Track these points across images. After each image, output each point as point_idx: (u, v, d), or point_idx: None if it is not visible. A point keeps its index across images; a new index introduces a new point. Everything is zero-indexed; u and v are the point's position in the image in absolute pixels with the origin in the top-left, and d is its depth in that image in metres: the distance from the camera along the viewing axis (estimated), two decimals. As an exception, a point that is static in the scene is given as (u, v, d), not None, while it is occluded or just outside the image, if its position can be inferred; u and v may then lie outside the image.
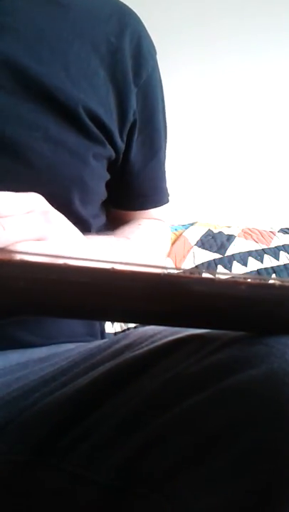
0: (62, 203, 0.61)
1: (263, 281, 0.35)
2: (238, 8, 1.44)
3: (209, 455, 0.34)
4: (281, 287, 0.34)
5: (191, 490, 0.35)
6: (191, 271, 0.36)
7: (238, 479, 0.33)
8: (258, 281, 0.35)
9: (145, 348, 0.42)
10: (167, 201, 0.77)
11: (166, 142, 0.74)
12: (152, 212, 0.75)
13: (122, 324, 1.22)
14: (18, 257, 0.39)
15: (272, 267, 1.31)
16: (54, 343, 0.62)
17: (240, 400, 0.34)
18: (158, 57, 0.70)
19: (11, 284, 0.35)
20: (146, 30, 0.68)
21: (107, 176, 0.66)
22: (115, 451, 0.39)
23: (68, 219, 0.63)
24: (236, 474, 0.33)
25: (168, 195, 0.77)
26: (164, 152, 0.74)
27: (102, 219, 0.70)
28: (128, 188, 0.71)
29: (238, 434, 0.33)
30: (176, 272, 0.36)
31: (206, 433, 0.35)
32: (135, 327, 1.25)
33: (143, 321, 0.41)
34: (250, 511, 0.33)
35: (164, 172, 0.75)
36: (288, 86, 1.52)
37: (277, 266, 1.43)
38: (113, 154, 0.65)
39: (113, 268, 0.36)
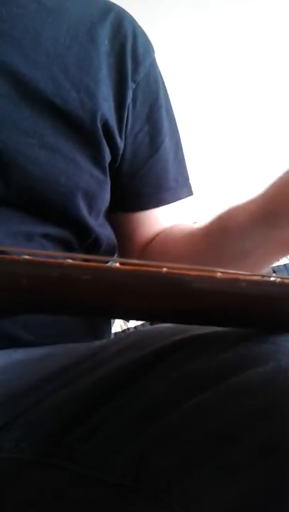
0: (61, 212, 0.61)
1: (263, 278, 0.35)
2: None
3: (217, 453, 0.34)
4: (281, 284, 0.34)
5: (199, 489, 0.34)
6: (192, 268, 0.36)
7: (246, 477, 0.33)
8: (258, 278, 0.35)
9: (150, 347, 0.42)
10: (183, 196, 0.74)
11: (177, 137, 0.72)
12: (165, 211, 0.72)
13: (122, 324, 1.22)
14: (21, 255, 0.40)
15: (272, 267, 1.32)
16: (55, 344, 0.61)
17: (248, 397, 0.34)
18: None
19: (14, 282, 0.36)
20: (141, 28, 0.68)
21: (108, 180, 0.66)
22: (122, 450, 0.39)
23: (72, 228, 0.62)
24: (244, 472, 0.33)
25: (184, 188, 0.73)
26: (170, 146, 0.71)
27: (108, 229, 0.69)
28: (134, 187, 0.69)
29: (245, 432, 0.33)
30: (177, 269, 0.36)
31: (214, 431, 0.35)
32: (135, 327, 1.25)
33: (144, 319, 0.41)
34: (259, 510, 0.32)
35: (170, 168, 0.71)
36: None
37: (277, 266, 1.43)
38: (112, 156, 0.65)
39: (115, 265, 0.36)
